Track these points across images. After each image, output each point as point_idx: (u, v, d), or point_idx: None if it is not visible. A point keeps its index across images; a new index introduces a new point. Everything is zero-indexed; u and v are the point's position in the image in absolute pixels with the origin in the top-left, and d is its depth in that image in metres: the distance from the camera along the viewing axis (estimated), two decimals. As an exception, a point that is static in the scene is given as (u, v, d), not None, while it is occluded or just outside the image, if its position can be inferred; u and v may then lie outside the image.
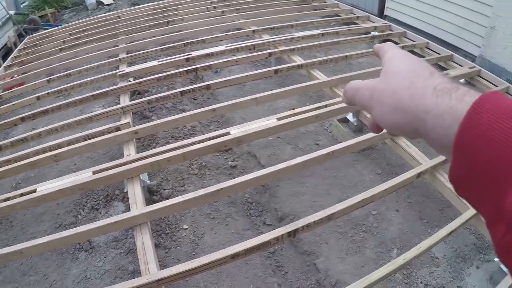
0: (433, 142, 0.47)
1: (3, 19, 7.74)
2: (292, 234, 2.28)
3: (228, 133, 2.92)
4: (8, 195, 2.78)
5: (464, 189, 0.43)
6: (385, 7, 6.34)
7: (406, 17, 5.96)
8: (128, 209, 3.06)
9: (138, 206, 2.56)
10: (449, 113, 0.43)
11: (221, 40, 5.03)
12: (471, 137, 0.39)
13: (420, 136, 0.49)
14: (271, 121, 3.04)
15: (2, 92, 4.96)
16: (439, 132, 0.44)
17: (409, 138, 0.48)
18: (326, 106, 3.32)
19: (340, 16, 6.11)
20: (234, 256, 2.17)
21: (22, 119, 3.88)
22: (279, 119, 3.07)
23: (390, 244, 2.77)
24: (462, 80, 4.35)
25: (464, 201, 2.53)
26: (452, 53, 4.63)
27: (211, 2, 6.61)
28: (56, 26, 8.29)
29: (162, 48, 4.71)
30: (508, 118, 0.37)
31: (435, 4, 5.35)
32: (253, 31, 5.10)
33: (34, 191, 2.77)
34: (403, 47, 4.80)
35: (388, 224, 2.91)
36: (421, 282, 2.52)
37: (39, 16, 9.40)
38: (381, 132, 0.61)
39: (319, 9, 6.47)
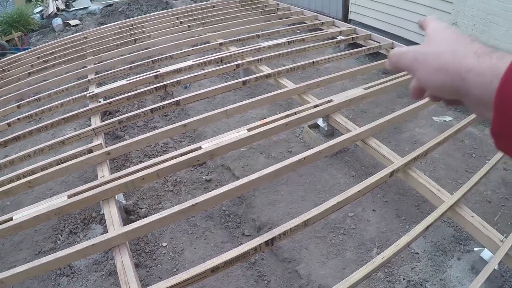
0: (474, 99, 0.50)
1: (-31, 46, 7.63)
2: (270, 242, 2.31)
3: (200, 148, 2.94)
4: (-16, 225, 2.76)
5: (506, 141, 0.47)
6: (349, 12, 6.45)
7: (370, 19, 6.06)
8: (106, 230, 3.06)
9: (115, 227, 2.57)
10: (490, 70, 0.46)
11: (188, 55, 5.05)
12: (511, 90, 0.43)
13: (460, 95, 0.53)
14: (241, 133, 3.08)
15: (-29, 120, 4.89)
16: (481, 88, 0.47)
17: (448, 97, 0.56)
18: (295, 113, 3.37)
19: (305, 23, 6.21)
20: (214, 269, 2.19)
21: (-7, 146, 3.84)
22: (249, 129, 3.11)
23: (369, 244, 2.81)
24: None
25: (443, 194, 2.62)
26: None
27: (177, 18, 6.64)
28: (24, 49, 8.19)
29: (130, 67, 4.71)
30: None
31: (396, 5, 5.46)
32: (220, 43, 5.15)
33: (11, 219, 2.75)
34: (368, 49, 4.91)
35: (366, 225, 2.96)
36: (403, 279, 2.56)
37: (6, 41, 9.28)
38: (423, 98, 0.64)
39: (285, 18, 6.56)
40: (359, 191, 2.62)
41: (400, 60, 0.62)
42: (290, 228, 2.35)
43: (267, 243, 2.29)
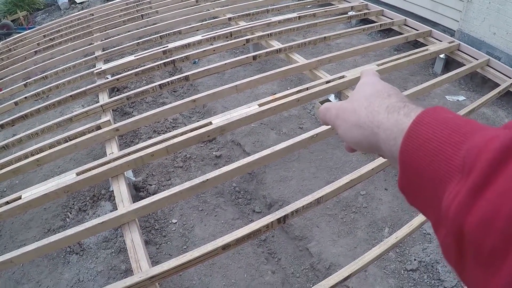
0: (385, 153, 0.51)
1: (-25, 26, 7.58)
2: (282, 220, 2.27)
3: (210, 123, 2.88)
4: (-8, 204, 2.74)
5: (411, 197, 0.47)
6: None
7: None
8: (115, 207, 3.04)
9: (124, 204, 2.53)
10: (396, 126, 0.48)
11: (197, 30, 4.96)
12: (412, 147, 0.44)
13: (375, 150, 0.54)
14: (252, 108, 3.01)
15: (-21, 100, 4.87)
16: (389, 143, 0.49)
17: (367, 153, 0.56)
18: (307, 89, 3.30)
19: (315, -4, 6.06)
20: (225, 247, 2.16)
21: (1, 126, 3.80)
22: (260, 105, 3.04)
23: (381, 223, 2.77)
24: (442, 56, 4.35)
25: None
26: (431, 28, 4.62)
27: (185, -7, 6.52)
28: (30, 28, 8.12)
29: (138, 43, 4.63)
30: (442, 128, 0.42)
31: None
32: (229, 18, 5.04)
33: (19, 198, 2.73)
34: (381, 25, 4.79)
35: (378, 204, 2.91)
36: (414, 259, 2.53)
37: (11, 20, 9.20)
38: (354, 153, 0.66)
39: (294, -8, 6.42)
40: (372, 169, 2.57)
41: (325, 116, 0.64)
42: (303, 206, 2.31)
43: (279, 220, 2.26)
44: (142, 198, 3.05)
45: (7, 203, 2.71)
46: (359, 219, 2.81)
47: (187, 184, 2.46)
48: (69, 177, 2.76)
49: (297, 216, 2.40)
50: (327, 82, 3.42)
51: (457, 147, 0.40)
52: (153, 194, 3.05)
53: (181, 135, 2.81)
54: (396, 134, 0.47)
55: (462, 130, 0.41)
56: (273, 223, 2.24)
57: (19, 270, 2.84)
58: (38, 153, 3.15)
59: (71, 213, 3.17)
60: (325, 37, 4.34)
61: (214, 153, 3.45)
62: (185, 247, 2.74)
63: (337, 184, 2.45)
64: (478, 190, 0.36)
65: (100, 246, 2.88)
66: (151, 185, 3.17)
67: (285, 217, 2.27)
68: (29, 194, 2.74)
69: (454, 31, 4.73)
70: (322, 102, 3.64)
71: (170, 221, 2.91)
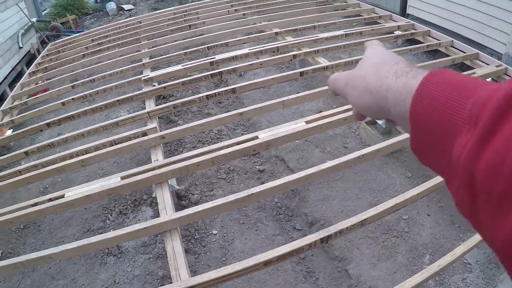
0: (395, 116, 0.53)
1: (26, 27, 7.83)
2: (325, 240, 2.24)
3: (256, 137, 2.88)
4: (36, 200, 2.80)
5: (424, 156, 0.49)
6: (407, 6, 6.22)
7: (429, 15, 5.82)
8: (156, 213, 3.07)
9: (167, 211, 2.54)
10: (404, 88, 0.50)
11: (244, 43, 5.00)
12: (421, 106, 0.46)
13: (385, 114, 0.56)
14: (299, 125, 3.00)
15: (27, 98, 5.02)
16: (398, 105, 0.50)
17: (378, 117, 0.61)
18: (354, 108, 3.26)
19: (362, 16, 6.04)
20: (266, 263, 2.14)
21: (48, 124, 3.91)
22: (307, 122, 3.02)
23: (422, 249, 2.70)
24: (489, 79, 4.25)
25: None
26: (478, 51, 4.53)
27: (232, 5, 6.59)
28: (78, 32, 8.36)
29: (185, 52, 4.69)
30: (448, 86, 0.44)
31: (458, 1, 5.23)
32: (276, 33, 5.06)
33: (62, 196, 2.78)
34: (427, 46, 4.72)
35: (419, 229, 2.84)
36: (453, 289, 2.46)
37: (60, 23, 9.48)
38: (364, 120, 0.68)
39: (341, 9, 6.40)
40: (417, 194, 2.51)
41: (335, 85, 0.66)
42: (347, 227, 2.28)
43: (322, 240, 2.23)
44: (184, 206, 3.08)
45: (50, 200, 2.76)
46: (400, 243, 2.75)
47: (231, 197, 2.46)
48: (113, 180, 2.80)
49: (340, 237, 2.37)
50: (374, 102, 3.38)
51: (464, 102, 0.42)
52: (195, 204, 3.08)
53: (227, 148, 2.82)
54: (405, 96, 0.49)
55: (467, 86, 0.43)
56: (316, 243, 2.21)
57: (56, 265, 2.90)
58: (83, 154, 3.21)
59: (111, 215, 3.22)
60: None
61: (257, 167, 3.45)
62: (224, 259, 2.74)
63: (381, 207, 2.40)
64: (486, 138, 0.38)
65: (139, 250, 2.90)
66: (193, 194, 3.19)
67: (328, 237, 2.24)
68: (72, 193, 2.79)
69: (502, 54, 4.63)
70: (368, 123, 3.61)
71: (211, 232, 2.92)
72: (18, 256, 3.03)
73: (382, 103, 0.54)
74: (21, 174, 3.18)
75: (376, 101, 0.55)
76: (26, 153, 3.55)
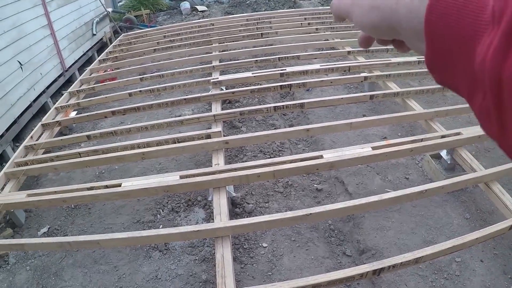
0: (407, 31, 0.48)
1: (101, 15, 8.14)
2: (377, 272, 2.18)
3: (321, 156, 2.84)
4: (92, 184, 2.89)
5: (442, 72, 0.45)
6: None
7: None
8: (208, 216, 3.08)
9: (222, 218, 2.54)
10: None
11: (315, 58, 4.98)
12: (437, 14, 0.41)
13: (395, 32, 0.51)
14: (365, 150, 2.93)
15: (95, 84, 5.19)
16: (410, 16, 0.46)
17: (387, 37, 0.54)
18: (422, 140, 3.17)
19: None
20: (315, 286, 2.10)
21: (113, 112, 4.03)
22: (373, 148, 2.96)
23: (470, 296, 2.58)
24: None
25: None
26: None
27: (305, 18, 6.60)
28: (151, 27, 8.61)
29: (256, 60, 4.72)
30: None
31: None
32: (348, 52, 5.01)
33: (119, 185, 2.84)
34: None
35: (470, 274, 2.71)
36: None
37: (134, 16, 9.80)
38: (369, 47, 0.66)
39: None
40: (476, 238, 2.40)
41: (339, 6, 0.61)
42: (401, 262, 2.21)
43: (374, 272, 2.17)
44: (238, 214, 3.08)
45: (106, 187, 2.83)
46: (449, 286, 2.63)
47: (289, 214, 2.43)
48: (172, 178, 2.84)
49: (392, 271, 2.30)
50: (442, 136, 3.27)
51: (484, 1, 0.38)
52: (249, 213, 3.07)
53: (290, 163, 2.79)
54: (418, 5, 0.45)
55: None
56: (368, 273, 2.16)
57: (100, 250, 2.96)
58: (144, 147, 3.28)
59: (163, 211, 3.26)
60: (443, 87, 4.17)
61: (315, 185, 3.40)
62: (270, 273, 2.70)
63: (438, 247, 2.31)
64: None
65: (185, 250, 2.91)
66: (248, 203, 3.18)
67: (381, 270, 2.18)
68: (129, 184, 2.84)
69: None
70: (432, 156, 3.49)
71: (260, 244, 2.89)
72: (64, 233, 3.14)
73: (392, 18, 0.50)
74: (81, 157, 3.29)
75: (384, 18, 0.51)
76: (88, 136, 3.67)
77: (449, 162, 3.41)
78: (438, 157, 3.53)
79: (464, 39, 0.40)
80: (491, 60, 0.36)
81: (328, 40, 5.58)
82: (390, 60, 4.67)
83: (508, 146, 0.38)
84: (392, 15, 0.49)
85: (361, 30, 0.59)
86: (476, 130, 3.37)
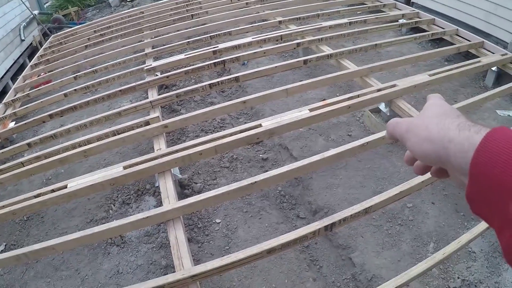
0: (454, 166, 0.55)
1: (27, 19, 7.80)
2: (329, 228, 2.23)
3: (260, 125, 2.86)
4: (39, 191, 2.80)
5: (478, 206, 0.51)
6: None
7: (433, 3, 5.70)
8: (159, 203, 3.06)
9: (170, 200, 2.53)
10: (467, 141, 0.52)
11: (247, 32, 4.96)
12: (484, 159, 0.48)
13: (442, 163, 0.58)
14: (303, 113, 2.97)
15: (29, 90, 5.02)
16: (459, 157, 0.53)
17: (433, 165, 0.66)
18: (358, 96, 3.24)
19: (366, 4, 5.97)
20: (270, 251, 2.13)
21: (51, 116, 3.91)
22: (311, 110, 3.00)
23: (426, 238, 2.68)
24: (494, 68, 4.20)
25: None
26: (483, 39, 4.47)
27: (235, -6, 6.55)
28: (80, 24, 8.33)
29: (188, 42, 4.67)
30: (510, 143, 0.47)
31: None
32: (279, 22, 5.02)
33: (65, 187, 2.78)
34: (432, 35, 4.67)
35: (424, 217, 2.82)
36: (458, 277, 2.43)
37: (62, 15, 9.45)
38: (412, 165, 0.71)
39: (344, -2, 6.34)
40: (422, 181, 2.49)
41: (395, 129, 0.68)
42: (351, 215, 2.27)
43: (326, 228, 2.22)
44: (187, 195, 3.06)
45: (53, 191, 2.76)
46: (404, 232, 2.73)
47: (234, 185, 2.44)
48: (116, 170, 2.79)
49: (344, 225, 2.35)
50: (378, 90, 3.35)
51: None
52: (198, 193, 3.06)
53: (230, 136, 2.80)
54: (467, 148, 0.51)
55: None
56: (320, 231, 2.20)
57: (59, 257, 2.89)
58: (85, 145, 3.21)
59: (114, 205, 3.21)
60: (376, 44, 4.26)
61: (260, 155, 3.42)
62: (227, 247, 2.73)
63: (386, 195, 2.39)
64: None
65: (142, 240, 2.89)
66: (196, 183, 3.17)
67: (332, 225, 2.23)
68: (75, 184, 2.78)
69: (508, 43, 4.57)
70: (372, 111, 3.58)
71: (214, 221, 2.90)
72: (21, 247, 3.03)
73: (442, 153, 0.56)
74: (24, 166, 3.18)
75: (436, 151, 0.57)
76: (29, 144, 3.55)
77: (388, 114, 3.50)
78: (377, 111, 3.62)
79: (503, 188, 0.45)
80: None
81: (259, 12, 5.58)
82: (321, 24, 4.72)
83: None
84: (443, 151, 0.56)
85: (414, 156, 0.66)
86: (412, 80, 3.47)
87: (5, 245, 3.12)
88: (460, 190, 2.96)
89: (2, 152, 3.63)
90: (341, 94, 4.05)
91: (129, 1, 9.76)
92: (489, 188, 0.47)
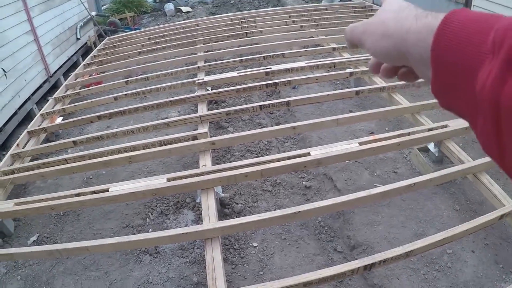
0: (415, 58, 0.52)
1: (85, 20, 8.08)
2: (368, 267, 2.18)
3: (308, 154, 2.83)
4: (80, 190, 2.85)
5: (446, 97, 0.49)
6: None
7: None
8: (197, 218, 3.07)
9: (211, 219, 2.53)
10: (425, 27, 0.50)
11: (300, 56, 4.97)
12: (443, 43, 0.46)
13: (404, 58, 0.55)
14: (352, 145, 2.93)
15: (80, 89, 5.15)
16: (418, 46, 0.50)
17: (396, 64, 0.60)
18: (408, 134, 3.17)
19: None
20: (306, 284, 2.10)
21: (99, 117, 4.01)
22: (360, 143, 2.95)
23: (462, 286, 2.59)
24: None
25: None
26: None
27: (290, 16, 6.59)
28: (135, 29, 8.56)
29: (241, 60, 4.71)
30: (470, 22, 0.44)
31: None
32: (333, 48, 5.01)
33: (107, 190, 2.81)
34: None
35: (462, 265, 2.72)
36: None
37: (118, 19, 9.73)
38: (377, 73, 0.67)
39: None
40: (466, 230, 2.41)
41: (353, 33, 0.65)
42: (392, 257, 2.21)
43: (365, 267, 2.17)
44: (227, 214, 3.06)
45: (94, 192, 2.80)
46: (441, 278, 2.64)
47: (278, 212, 2.42)
48: (159, 181, 2.81)
49: (384, 266, 2.30)
50: (429, 129, 3.28)
51: (486, 33, 0.42)
52: (238, 213, 3.06)
53: (277, 161, 2.78)
54: (425, 35, 0.49)
55: (489, 20, 0.43)
56: (359, 269, 2.16)
57: (90, 256, 2.93)
58: (131, 151, 3.25)
59: (152, 214, 3.23)
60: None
61: (304, 182, 3.40)
62: (261, 273, 2.69)
63: (429, 240, 2.32)
64: (510, 63, 0.38)
65: (176, 253, 2.90)
66: (237, 203, 3.17)
67: (372, 265, 2.18)
68: (117, 188, 2.81)
69: None
70: (420, 150, 3.51)
71: (251, 244, 2.88)
72: (53, 241, 3.10)
73: (402, 46, 0.54)
74: (67, 163, 3.25)
75: (395, 45, 0.55)
76: (75, 142, 3.64)
77: (437, 155, 3.42)
78: (426, 150, 3.54)
79: (467, 68, 0.43)
80: (490, 87, 0.40)
81: (313, 37, 5.59)
82: (375, 55, 4.68)
83: (507, 167, 0.41)
84: (402, 43, 0.54)
85: (372, 56, 0.64)
86: (463, 122, 3.38)
87: (38, 236, 3.18)
88: (502, 241, 2.87)
89: (48, 146, 3.74)
90: (390, 128, 4.01)
91: (184, 12, 9.97)
92: (453, 73, 0.45)
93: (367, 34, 0.61)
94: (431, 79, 0.49)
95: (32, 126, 4.14)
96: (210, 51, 5.47)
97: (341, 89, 4.71)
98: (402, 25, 0.54)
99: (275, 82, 3.91)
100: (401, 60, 0.57)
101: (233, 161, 3.59)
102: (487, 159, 2.98)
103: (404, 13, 0.56)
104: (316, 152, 2.84)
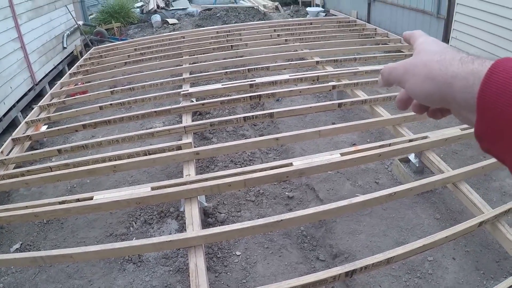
0: (459, 103, 0.52)
1: (72, 29, 8.08)
2: (350, 274, 2.22)
3: (291, 164, 2.89)
4: (64, 198, 2.86)
5: (488, 142, 0.49)
6: (450, 38, 6.12)
7: (475, 49, 5.66)
8: (181, 227, 3.08)
9: (194, 227, 2.55)
10: (472, 74, 0.49)
11: (284, 69, 5.04)
12: (491, 92, 0.46)
13: (446, 102, 0.55)
14: (334, 156, 2.99)
15: (65, 97, 5.15)
16: (465, 92, 0.50)
17: (436, 106, 0.61)
18: (389, 145, 3.25)
19: (403, 52, 6.02)
20: (288, 291, 2.12)
21: (84, 126, 4.01)
22: (342, 154, 3.02)
23: (444, 293, 2.64)
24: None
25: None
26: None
27: (275, 30, 6.69)
28: (121, 40, 8.58)
29: (226, 72, 4.77)
30: None
31: (505, 25, 5.05)
32: (317, 62, 5.10)
33: (91, 198, 2.82)
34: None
35: (443, 272, 2.78)
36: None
37: (105, 29, 9.75)
38: (405, 109, 0.67)
39: (382, 44, 6.42)
40: (446, 237, 2.47)
41: (391, 74, 0.64)
42: (373, 263, 2.25)
43: (347, 273, 2.21)
44: (210, 224, 3.09)
45: (78, 200, 2.81)
46: (422, 285, 2.69)
47: (260, 221, 2.46)
48: (143, 190, 2.83)
49: (365, 273, 2.34)
50: (410, 140, 3.36)
51: None
52: (221, 223, 3.08)
53: (260, 171, 2.83)
54: (472, 82, 0.49)
55: None
56: (341, 276, 2.19)
57: (73, 265, 2.91)
58: (116, 160, 3.27)
59: (136, 223, 3.24)
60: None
61: (286, 193, 3.44)
62: (245, 281, 2.72)
63: (409, 247, 2.37)
64: None
65: (159, 261, 2.91)
66: (221, 213, 3.20)
67: (353, 272, 2.22)
68: (101, 197, 2.83)
69: None
70: (401, 160, 3.58)
71: (234, 253, 2.91)
72: (37, 249, 3.09)
73: (446, 90, 0.53)
74: (52, 171, 3.25)
75: (438, 89, 0.54)
76: (59, 150, 3.64)
77: (417, 165, 3.49)
78: (406, 160, 3.61)
79: None
80: None
81: (297, 51, 5.67)
82: (357, 68, 4.78)
83: None
84: (447, 89, 0.53)
85: (412, 97, 0.62)
86: (443, 133, 3.47)
87: (21, 244, 3.16)
88: (482, 248, 2.94)
89: (32, 154, 3.73)
90: (372, 140, 4.08)
91: (171, 24, 10.02)
92: (498, 122, 0.46)
93: (408, 75, 0.60)
94: (476, 124, 0.49)
95: (16, 133, 4.13)
96: (195, 63, 5.53)
97: (324, 101, 4.79)
98: (447, 69, 0.53)
99: (259, 94, 3.97)
100: (441, 102, 0.56)
101: (217, 171, 3.62)
102: (466, 168, 3.06)
103: (447, 56, 0.55)
104: (299, 163, 2.90)
